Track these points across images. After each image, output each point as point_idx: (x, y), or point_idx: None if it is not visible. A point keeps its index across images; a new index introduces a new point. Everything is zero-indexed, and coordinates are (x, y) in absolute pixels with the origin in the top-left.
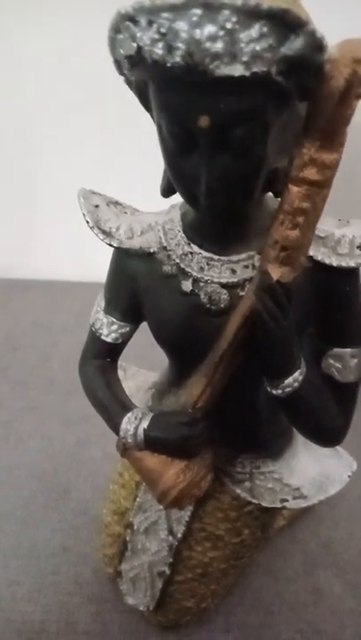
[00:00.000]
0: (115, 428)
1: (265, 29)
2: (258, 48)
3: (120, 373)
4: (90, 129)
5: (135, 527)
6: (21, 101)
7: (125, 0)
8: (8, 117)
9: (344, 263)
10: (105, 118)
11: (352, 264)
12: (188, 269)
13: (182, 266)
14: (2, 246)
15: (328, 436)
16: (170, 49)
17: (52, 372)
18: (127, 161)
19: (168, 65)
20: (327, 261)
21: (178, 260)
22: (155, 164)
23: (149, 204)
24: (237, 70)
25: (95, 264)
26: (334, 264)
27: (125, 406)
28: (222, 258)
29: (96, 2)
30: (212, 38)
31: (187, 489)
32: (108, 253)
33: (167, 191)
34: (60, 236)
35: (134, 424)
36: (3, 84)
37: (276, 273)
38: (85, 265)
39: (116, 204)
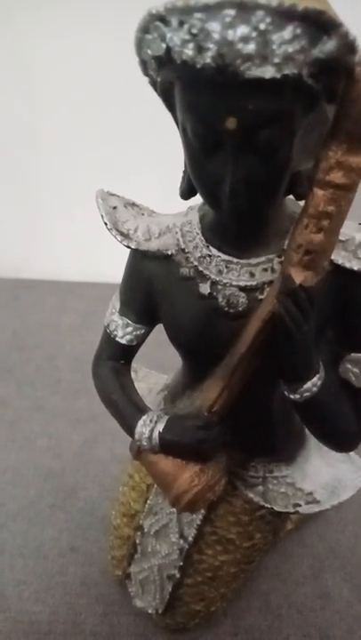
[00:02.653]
0: (129, 430)
1: (298, 31)
2: (290, 50)
3: (131, 375)
4: (96, 131)
5: (145, 530)
6: (27, 107)
7: (124, 3)
8: (15, 120)
9: None
10: (111, 121)
11: None
12: (206, 272)
13: (200, 268)
14: (8, 246)
15: (344, 441)
16: (200, 50)
17: (58, 371)
18: (131, 165)
19: (198, 66)
20: (348, 265)
21: (196, 263)
22: (158, 168)
23: (154, 206)
24: (269, 72)
25: (101, 264)
26: (355, 268)
27: (140, 409)
28: (241, 261)
29: (105, 4)
30: (245, 39)
31: (201, 493)
32: (115, 254)
33: (187, 193)
34: (66, 236)
35: (149, 427)
36: (8, 85)
37: (298, 277)
38: (91, 265)
39: (133, 205)
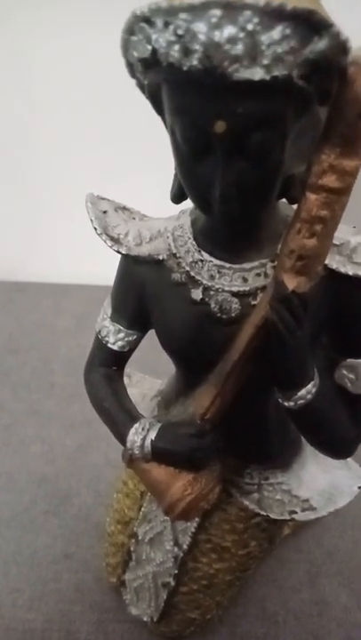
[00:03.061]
0: (121, 439)
1: (288, 31)
2: (279, 50)
3: (125, 380)
4: (93, 134)
5: (140, 537)
6: (27, 107)
7: (124, 3)
8: (13, 120)
9: None
10: (108, 123)
11: None
12: (198, 277)
13: (192, 274)
14: (4, 248)
15: (340, 448)
16: (187, 51)
17: (53, 375)
18: (129, 167)
19: (184, 68)
20: (343, 270)
21: (188, 268)
22: (157, 169)
23: (152, 208)
24: (258, 74)
25: (97, 266)
26: (350, 273)
27: (133, 416)
28: (234, 266)
29: (102, 5)
30: (232, 40)
31: (195, 502)
32: (110, 256)
33: (178, 197)
34: (62, 238)
35: (142, 435)
36: (8, 85)
37: (291, 283)
38: (87, 267)
39: (124, 209)
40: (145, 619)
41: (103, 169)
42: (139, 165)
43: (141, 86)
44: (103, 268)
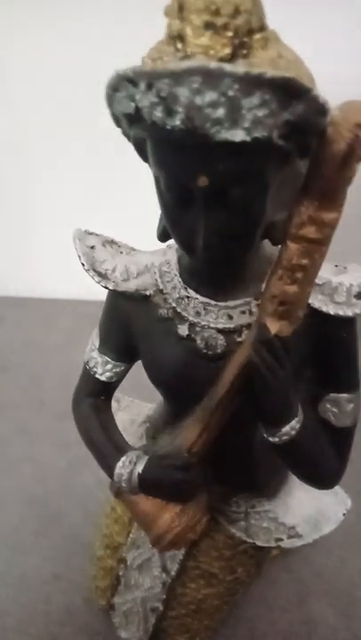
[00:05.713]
0: (109, 471)
1: (267, 96)
2: (259, 114)
3: (113, 405)
4: (83, 145)
5: (128, 563)
6: (17, 122)
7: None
8: (3, 137)
9: (341, 312)
10: (98, 135)
11: (349, 313)
12: (184, 314)
13: (178, 310)
14: None
15: (324, 479)
16: (170, 112)
17: (43, 392)
18: (119, 182)
19: (168, 127)
20: (324, 309)
21: (174, 304)
22: (149, 191)
23: (141, 229)
24: (238, 135)
25: (88, 281)
26: (331, 312)
27: (120, 448)
28: (219, 303)
29: (89, 23)
30: (213, 104)
31: (182, 533)
32: None
33: (164, 236)
34: (53, 253)
35: (129, 468)
36: None
37: (274, 327)
38: (78, 283)
39: (112, 243)
40: None
41: (93, 183)
42: (128, 177)
43: (127, 135)
44: (94, 283)
